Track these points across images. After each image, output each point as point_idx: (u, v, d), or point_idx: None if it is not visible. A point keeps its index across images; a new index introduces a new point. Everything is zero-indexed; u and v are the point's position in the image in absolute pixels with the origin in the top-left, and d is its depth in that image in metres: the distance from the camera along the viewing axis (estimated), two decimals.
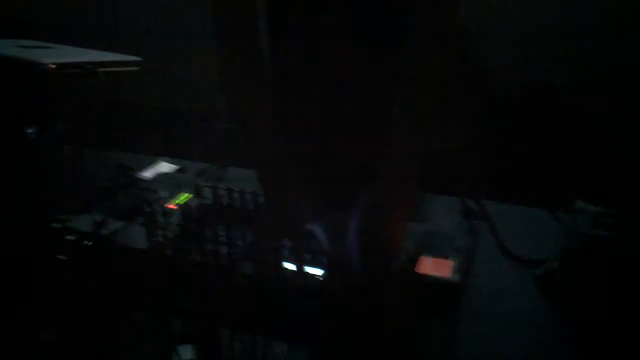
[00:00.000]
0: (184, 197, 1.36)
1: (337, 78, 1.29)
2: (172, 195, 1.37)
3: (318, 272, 1.10)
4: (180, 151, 1.73)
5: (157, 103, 2.80)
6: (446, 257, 1.13)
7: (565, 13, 2.38)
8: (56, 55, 1.21)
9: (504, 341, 0.98)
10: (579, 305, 1.02)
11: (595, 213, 1.19)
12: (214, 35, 1.23)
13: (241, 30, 1.23)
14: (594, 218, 1.13)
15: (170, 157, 1.67)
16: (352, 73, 1.27)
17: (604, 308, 0.98)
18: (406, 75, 1.15)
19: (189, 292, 1.11)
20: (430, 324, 1.02)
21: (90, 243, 1.21)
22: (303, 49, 1.31)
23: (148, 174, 1.55)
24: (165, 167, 1.60)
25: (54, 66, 1.10)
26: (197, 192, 1.36)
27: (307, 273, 1.08)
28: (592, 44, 2.36)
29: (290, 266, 1.08)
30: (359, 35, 1.26)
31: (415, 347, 0.98)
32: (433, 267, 1.11)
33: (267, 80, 1.30)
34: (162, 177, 1.49)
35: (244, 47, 1.23)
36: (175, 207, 1.29)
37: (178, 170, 1.59)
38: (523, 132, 2.40)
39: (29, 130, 1.67)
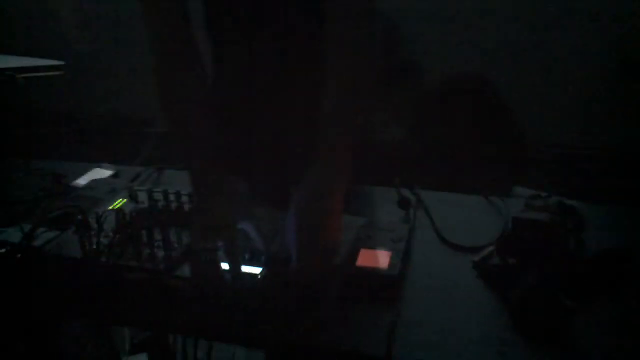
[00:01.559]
0: (119, 202, 1.33)
1: (267, 75, 1.29)
2: (107, 201, 1.34)
3: (256, 270, 1.09)
4: (115, 157, 1.69)
5: (89, 109, 2.75)
6: (384, 249, 1.14)
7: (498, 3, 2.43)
8: None
9: (444, 327, 1.00)
10: (512, 287, 1.04)
11: (527, 196, 1.22)
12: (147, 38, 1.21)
13: (174, 31, 1.22)
14: (525, 201, 1.16)
15: (105, 163, 1.63)
16: (282, 68, 1.27)
17: (535, 289, 1.00)
18: (334, 69, 1.15)
19: (127, 299, 1.09)
20: (372, 315, 1.02)
21: (21, 255, 1.17)
22: (236, 49, 1.31)
23: (82, 181, 1.51)
24: (99, 173, 1.56)
25: None
26: (131, 197, 1.34)
27: (245, 272, 1.07)
28: (523, 34, 2.42)
29: (227, 266, 1.07)
30: (287, 30, 1.26)
31: (358, 339, 0.98)
32: (372, 259, 1.11)
33: (199, 80, 1.28)
34: (96, 184, 1.45)
35: (177, 49, 1.22)
36: (110, 213, 1.26)
37: (112, 176, 1.56)
38: (457, 122, 2.44)
39: None
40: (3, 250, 1.17)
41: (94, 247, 1.15)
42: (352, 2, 1.15)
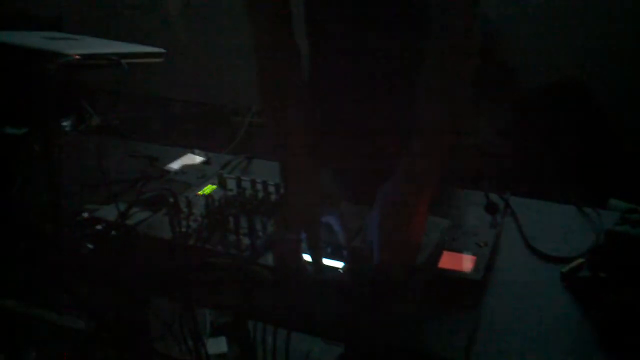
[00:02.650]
0: (208, 188, 1.37)
1: (361, 73, 1.30)
2: (198, 187, 1.38)
3: (339, 264, 1.10)
4: (208, 143, 1.74)
5: (185, 96, 2.85)
6: (469, 252, 1.12)
7: (597, 8, 2.33)
8: (80, 46, 1.23)
9: (526, 337, 0.97)
10: (602, 302, 1.00)
11: (623, 210, 1.16)
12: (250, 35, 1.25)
13: (277, 28, 1.25)
14: (621, 215, 1.11)
15: (197, 149, 1.68)
16: (377, 67, 1.27)
17: (628, 305, 0.96)
18: (431, 69, 1.14)
19: (211, 282, 1.12)
20: (452, 319, 1.01)
21: (116, 232, 1.23)
22: (336, 48, 1.33)
23: (175, 165, 1.57)
24: (192, 159, 1.61)
25: (78, 57, 1.12)
26: (221, 183, 1.37)
27: (326, 265, 1.08)
28: (624, 40, 2.31)
29: (310, 258, 1.08)
30: (386, 32, 1.27)
31: (436, 342, 0.97)
32: (455, 262, 1.10)
33: (300, 75, 1.31)
34: (188, 169, 1.50)
35: (280, 44, 1.25)
36: (199, 198, 1.30)
37: (204, 162, 1.61)
38: (552, 129, 2.36)
39: (65, 123, 1.71)
40: (99, 226, 1.23)
41: (183, 230, 1.18)
42: (454, 2, 1.13)
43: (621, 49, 2.34)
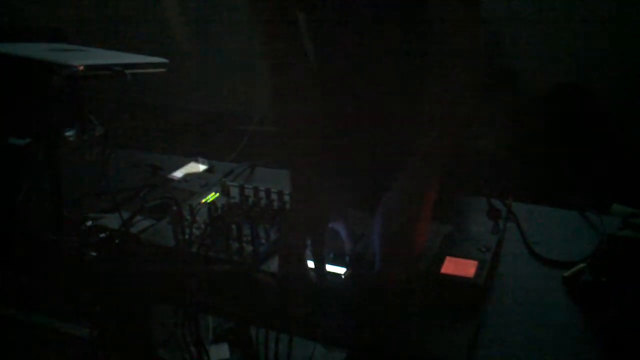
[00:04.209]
0: (211, 196, 1.38)
1: (368, 81, 1.31)
2: (201, 195, 1.39)
3: (341, 270, 1.10)
4: (210, 152, 1.75)
5: (187, 105, 2.86)
6: (470, 258, 1.12)
7: (595, 13, 2.33)
8: (84, 57, 1.24)
9: (528, 342, 0.97)
10: (605, 307, 1.00)
11: (626, 214, 1.17)
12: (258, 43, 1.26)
13: (285, 36, 1.26)
14: (624, 219, 1.11)
15: (200, 157, 1.69)
16: (381, 75, 1.28)
17: (631, 310, 0.96)
18: (435, 75, 1.15)
19: (214, 290, 1.12)
20: (454, 325, 1.01)
21: (119, 240, 1.24)
22: (340, 53, 1.33)
23: (178, 174, 1.58)
24: (195, 167, 1.62)
25: (82, 68, 1.13)
26: (224, 191, 1.38)
27: (329, 272, 1.08)
28: (625, 44, 2.31)
29: (313, 264, 1.08)
30: (391, 38, 1.27)
31: (438, 348, 0.97)
32: (457, 267, 1.10)
33: (308, 81, 1.31)
34: (191, 177, 1.51)
35: (288, 51, 1.26)
36: (202, 206, 1.31)
37: (207, 170, 1.61)
38: (554, 134, 2.36)
39: (69, 133, 1.72)
40: (103, 235, 1.24)
41: (186, 237, 1.19)
42: (457, 8, 1.14)
43: (623, 53, 2.34)
